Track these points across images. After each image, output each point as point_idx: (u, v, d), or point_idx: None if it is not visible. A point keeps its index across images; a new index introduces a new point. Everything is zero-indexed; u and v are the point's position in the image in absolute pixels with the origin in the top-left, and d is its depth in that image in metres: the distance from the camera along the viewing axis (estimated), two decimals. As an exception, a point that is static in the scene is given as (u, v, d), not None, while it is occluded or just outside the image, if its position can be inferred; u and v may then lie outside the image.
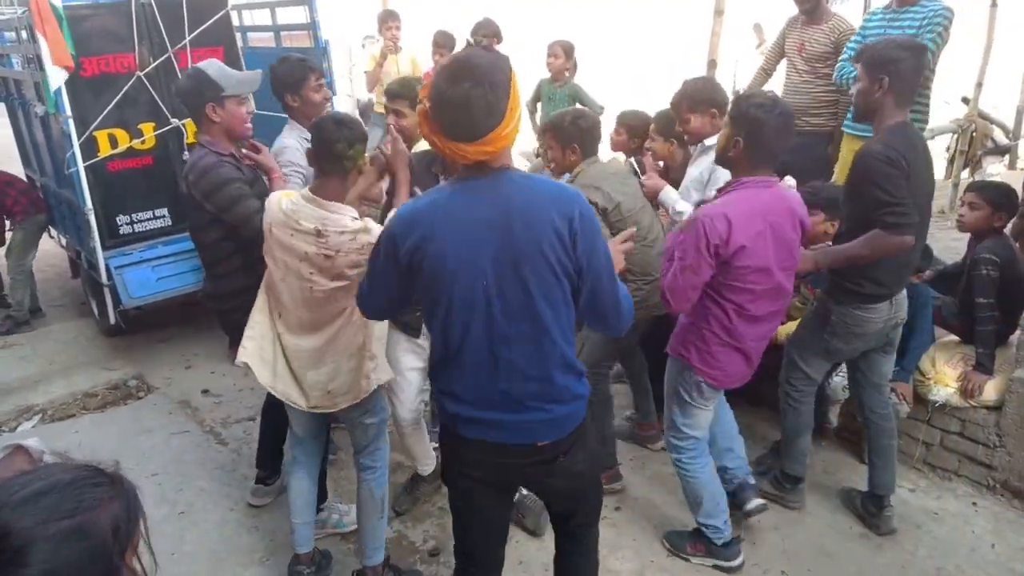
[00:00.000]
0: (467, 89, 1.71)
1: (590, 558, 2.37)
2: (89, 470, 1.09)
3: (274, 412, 3.16)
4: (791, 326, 3.63)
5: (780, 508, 3.36)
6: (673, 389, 2.89)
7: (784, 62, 4.86)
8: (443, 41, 6.09)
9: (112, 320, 4.81)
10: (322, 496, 3.24)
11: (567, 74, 5.71)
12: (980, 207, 3.46)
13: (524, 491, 3.07)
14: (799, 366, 3.18)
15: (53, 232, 5.89)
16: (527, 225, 1.80)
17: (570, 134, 3.18)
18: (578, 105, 5.74)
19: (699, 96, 3.33)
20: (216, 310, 3.27)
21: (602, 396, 3.37)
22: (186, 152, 4.62)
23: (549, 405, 1.96)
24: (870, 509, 3.26)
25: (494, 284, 1.83)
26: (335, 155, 2.45)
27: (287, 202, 2.50)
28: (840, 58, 4.31)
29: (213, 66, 3.01)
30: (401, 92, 3.08)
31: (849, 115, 4.23)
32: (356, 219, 2.48)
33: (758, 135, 2.51)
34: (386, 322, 3.04)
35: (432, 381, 2.15)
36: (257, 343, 2.71)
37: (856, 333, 2.95)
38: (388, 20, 6.25)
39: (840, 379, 3.59)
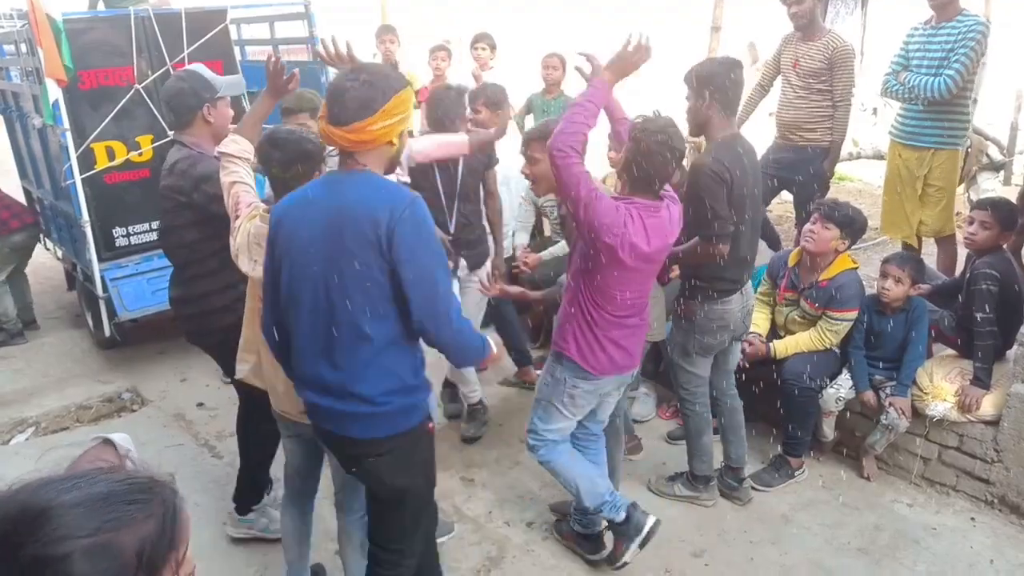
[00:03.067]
0: (349, 81, 2.00)
1: None
2: (130, 483, 1.01)
3: (251, 422, 3.20)
4: (788, 341, 3.64)
5: (778, 523, 3.35)
6: (546, 393, 2.90)
7: (779, 78, 4.92)
8: (386, 35, 6.22)
9: (107, 332, 4.79)
10: (260, 493, 3.34)
11: (561, 87, 5.74)
12: (991, 226, 3.47)
13: None
14: (685, 368, 3.35)
15: (49, 244, 5.87)
16: (352, 221, 1.97)
17: None
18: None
19: None
20: (182, 315, 3.18)
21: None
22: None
23: (358, 403, 2.09)
24: (729, 482, 3.53)
25: (320, 273, 2.01)
26: (272, 177, 2.54)
27: (252, 226, 2.50)
28: (885, 73, 4.48)
29: (204, 69, 3.12)
30: (301, 106, 3.25)
31: (899, 123, 4.51)
32: None
33: (645, 160, 2.56)
34: None
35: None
36: (253, 357, 2.69)
37: (721, 325, 3.18)
38: (384, 34, 6.27)
39: (834, 391, 3.58)
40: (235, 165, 2.65)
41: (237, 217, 2.57)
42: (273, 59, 2.77)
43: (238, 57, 5.41)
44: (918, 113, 4.35)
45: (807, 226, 3.57)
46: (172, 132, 3.17)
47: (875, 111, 11.03)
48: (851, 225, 3.50)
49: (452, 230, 3.80)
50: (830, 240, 3.49)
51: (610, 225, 2.49)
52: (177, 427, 4.29)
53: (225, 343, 2.91)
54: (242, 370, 2.76)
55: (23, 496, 0.98)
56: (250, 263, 2.50)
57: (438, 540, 3.22)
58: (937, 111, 4.26)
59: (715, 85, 2.94)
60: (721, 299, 3.14)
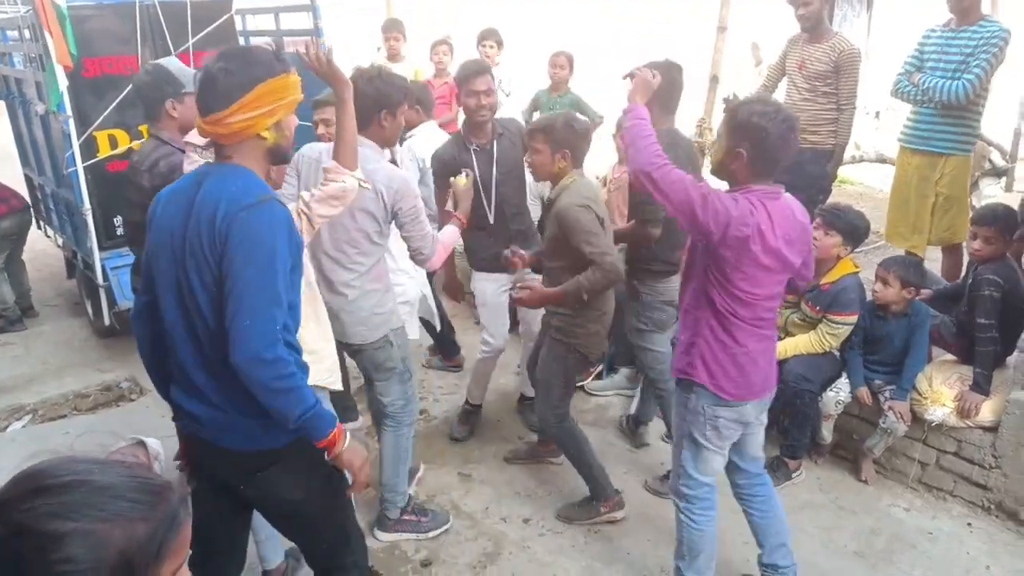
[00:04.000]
0: (214, 67, 1.85)
1: None
2: (138, 483, 0.99)
3: None
4: (788, 343, 3.64)
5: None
6: (685, 430, 2.63)
7: (785, 80, 4.91)
8: (392, 29, 6.20)
9: (107, 321, 4.80)
10: None
11: (568, 85, 5.74)
12: (996, 240, 3.45)
13: None
14: (646, 348, 3.56)
15: (49, 231, 5.86)
16: (197, 215, 1.84)
17: (563, 137, 3.01)
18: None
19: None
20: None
21: (568, 433, 3.30)
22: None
23: (226, 409, 1.91)
24: (631, 428, 4.01)
25: (180, 266, 1.87)
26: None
27: None
28: (897, 73, 4.42)
29: (173, 63, 3.15)
30: (329, 100, 3.10)
31: (910, 128, 4.44)
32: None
33: (761, 145, 2.33)
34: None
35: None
36: None
37: (665, 300, 3.47)
38: (390, 30, 6.26)
39: (833, 394, 3.59)
40: (197, 155, 2.63)
41: None
42: (311, 52, 2.43)
43: (242, 47, 5.40)
44: (931, 117, 4.30)
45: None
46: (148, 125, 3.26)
47: (878, 114, 11.03)
48: (853, 232, 3.51)
49: (492, 220, 3.68)
50: (832, 247, 3.50)
51: (738, 217, 2.28)
52: (175, 417, 4.29)
53: None
54: None
55: (40, 466, 0.99)
56: None
57: (434, 533, 3.24)
58: (952, 116, 4.22)
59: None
60: (662, 278, 3.44)
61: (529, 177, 3.69)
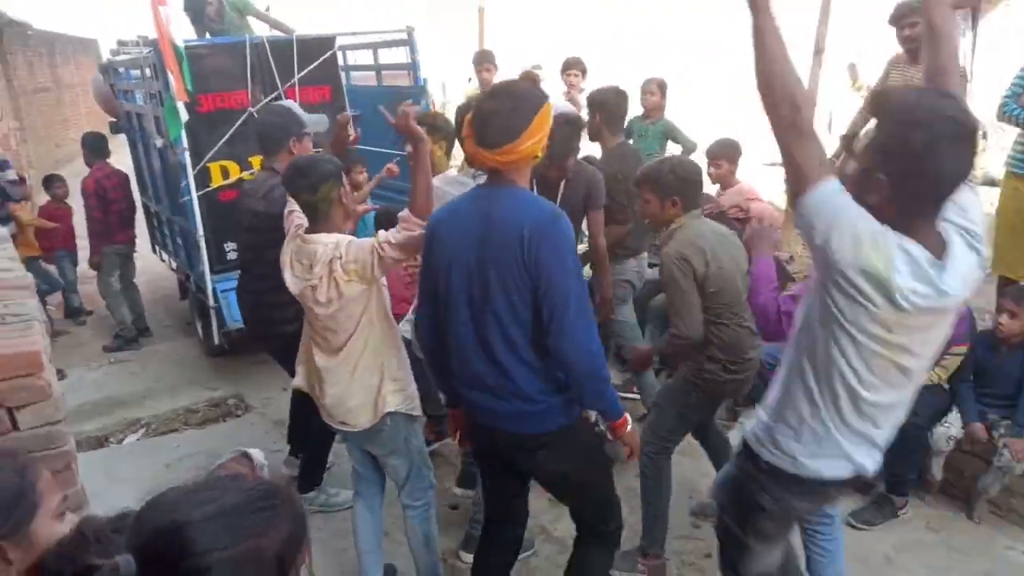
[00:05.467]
0: (493, 105, 2.08)
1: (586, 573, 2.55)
2: (260, 491, 1.10)
3: (299, 407, 3.77)
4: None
5: (880, 564, 3.21)
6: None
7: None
8: (485, 61, 6.41)
9: (216, 341, 5.03)
10: (317, 480, 3.74)
11: (662, 112, 5.73)
12: None
13: None
14: (615, 320, 4.07)
15: (164, 256, 6.24)
16: (500, 232, 2.08)
17: (669, 185, 2.90)
18: (670, 142, 5.75)
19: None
20: (251, 321, 3.72)
21: (657, 469, 3.10)
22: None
23: (513, 399, 2.19)
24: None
25: (476, 280, 2.13)
26: (303, 203, 2.63)
27: (294, 245, 2.69)
28: (1003, 95, 4.19)
29: (295, 107, 3.54)
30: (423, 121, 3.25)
31: (1019, 153, 4.22)
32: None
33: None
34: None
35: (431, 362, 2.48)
36: (304, 367, 2.89)
37: (622, 279, 4.12)
38: (483, 61, 6.42)
39: (944, 429, 3.42)
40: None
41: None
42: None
43: (344, 82, 5.64)
44: None
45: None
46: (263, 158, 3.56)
47: (985, 135, 10.51)
48: None
49: None
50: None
51: None
52: (278, 433, 4.46)
53: (285, 350, 3.32)
54: (297, 378, 2.95)
55: (166, 514, 1.07)
56: (292, 277, 2.67)
57: (521, 557, 3.21)
58: None
59: (604, 108, 4.07)
60: (620, 260, 4.07)
61: None
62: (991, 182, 7.79)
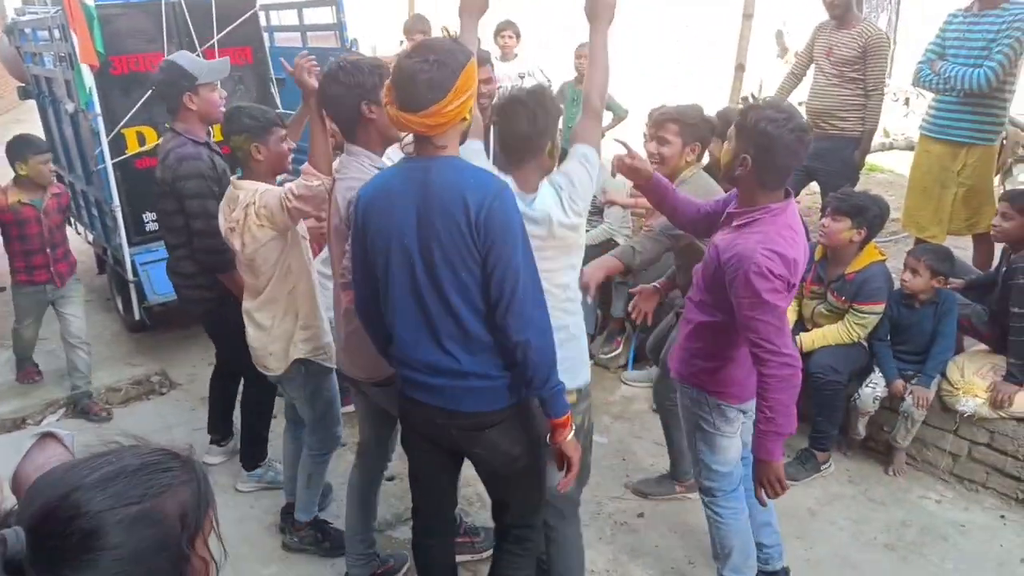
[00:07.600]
0: (416, 63, 1.89)
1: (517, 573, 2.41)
2: (159, 455, 1.07)
3: (220, 380, 3.84)
4: (815, 334, 3.60)
5: (805, 516, 3.32)
6: (693, 424, 2.63)
7: (812, 67, 4.85)
8: (417, 26, 6.10)
9: (137, 316, 4.86)
10: (261, 455, 3.63)
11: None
12: (1012, 217, 3.40)
13: None
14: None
15: (79, 228, 5.96)
16: (440, 208, 1.94)
17: (700, 132, 2.86)
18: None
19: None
20: (175, 284, 3.54)
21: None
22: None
23: (469, 377, 2.06)
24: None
25: (420, 262, 1.99)
26: (234, 147, 2.80)
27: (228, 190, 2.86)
28: (918, 62, 4.28)
29: (184, 57, 3.30)
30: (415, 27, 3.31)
31: (931, 117, 4.30)
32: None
33: (767, 153, 2.22)
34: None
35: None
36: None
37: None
38: (416, 25, 6.24)
39: (870, 390, 3.53)
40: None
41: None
42: (306, 63, 2.67)
43: (267, 43, 5.43)
44: (952, 106, 4.19)
45: (820, 220, 3.52)
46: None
47: (907, 101, 10.83)
48: (862, 214, 3.40)
49: None
50: (842, 231, 3.42)
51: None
52: (204, 410, 4.33)
53: (208, 316, 3.39)
54: (304, 350, 2.89)
55: (56, 481, 1.02)
56: (222, 219, 2.81)
57: (487, 553, 3.08)
58: (973, 104, 4.10)
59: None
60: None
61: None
62: (911, 147, 8.05)
